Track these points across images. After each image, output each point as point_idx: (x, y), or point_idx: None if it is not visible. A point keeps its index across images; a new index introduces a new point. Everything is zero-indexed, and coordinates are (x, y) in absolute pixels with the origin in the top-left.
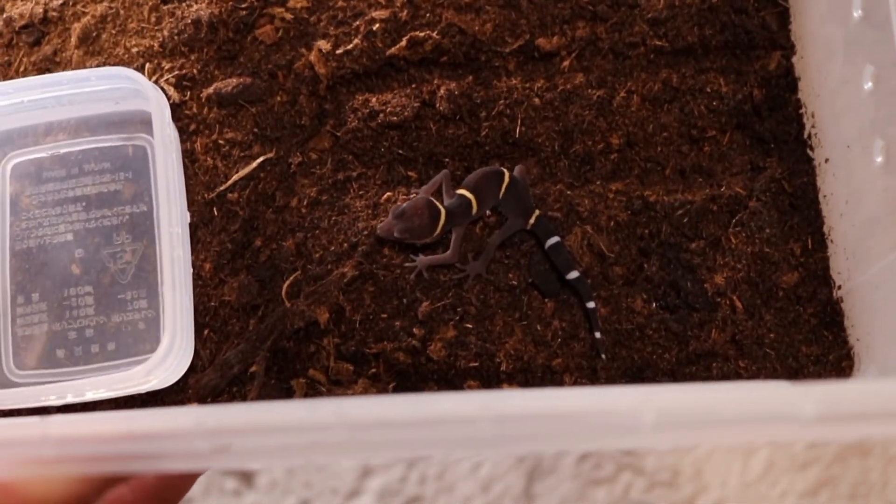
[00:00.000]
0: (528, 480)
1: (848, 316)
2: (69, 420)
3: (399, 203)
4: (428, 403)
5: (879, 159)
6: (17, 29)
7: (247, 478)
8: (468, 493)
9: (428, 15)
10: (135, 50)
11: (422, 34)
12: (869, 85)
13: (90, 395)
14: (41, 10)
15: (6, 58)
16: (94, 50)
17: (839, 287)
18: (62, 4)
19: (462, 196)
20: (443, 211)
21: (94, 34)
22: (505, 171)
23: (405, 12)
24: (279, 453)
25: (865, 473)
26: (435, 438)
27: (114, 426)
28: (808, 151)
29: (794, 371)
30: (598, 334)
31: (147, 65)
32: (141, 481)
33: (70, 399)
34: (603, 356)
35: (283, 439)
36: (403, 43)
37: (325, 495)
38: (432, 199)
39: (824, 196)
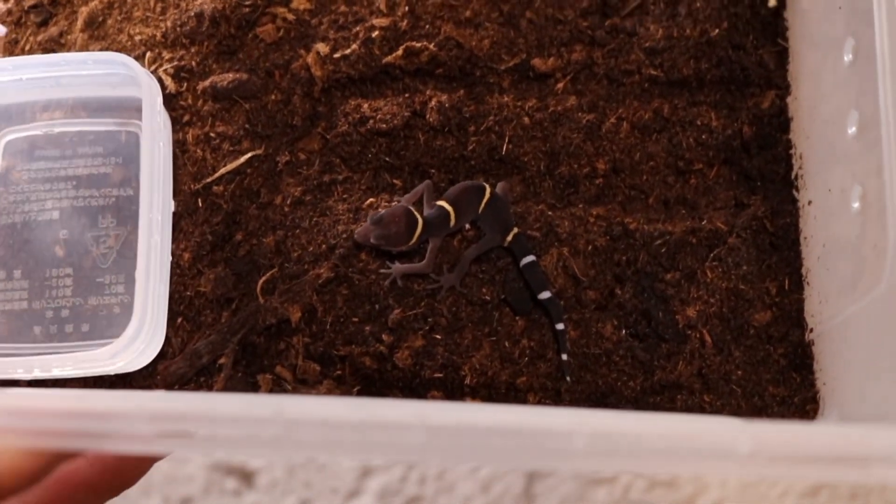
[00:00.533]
0: (528, 480)
1: (817, 360)
2: (18, 393)
3: (379, 209)
4: (364, 408)
5: (856, 205)
6: (26, 8)
7: (247, 478)
8: (468, 493)
9: (428, 26)
10: (138, 38)
11: (419, 45)
12: (853, 129)
13: (57, 372)
14: None
15: (13, 35)
16: (99, 35)
17: (811, 330)
18: None
19: (441, 207)
20: (420, 220)
21: (100, 19)
22: (487, 186)
23: (405, 22)
24: (219, 443)
25: None
26: (369, 441)
27: (60, 403)
28: (794, 192)
29: (759, 409)
30: (564, 356)
31: (148, 53)
32: (99, 455)
33: (37, 374)
34: (568, 378)
35: (223, 430)
36: (400, 52)
37: (325, 495)
38: (411, 207)
39: (805, 238)
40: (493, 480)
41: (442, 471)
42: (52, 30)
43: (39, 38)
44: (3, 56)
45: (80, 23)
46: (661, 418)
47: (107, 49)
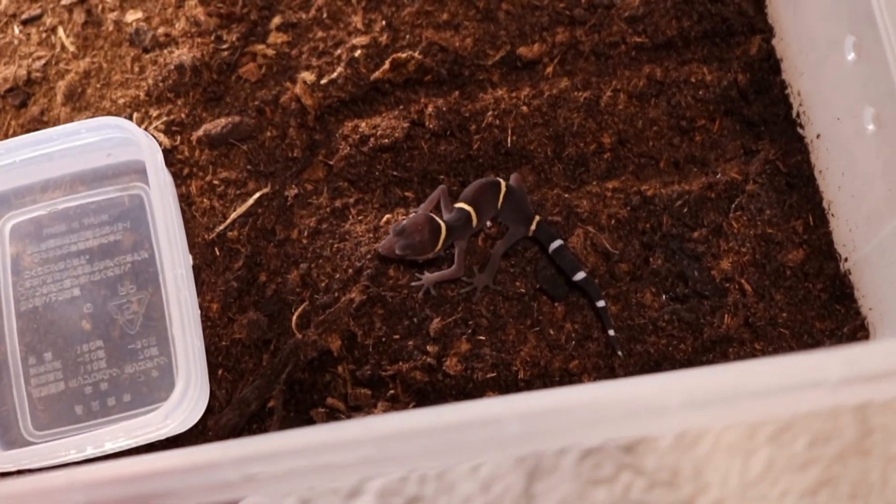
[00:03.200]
0: (528, 480)
1: (857, 287)
2: (94, 467)
3: (399, 222)
4: (451, 411)
5: (871, 127)
6: (1, 93)
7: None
8: (468, 493)
9: (408, 36)
10: (121, 101)
11: (404, 55)
12: (851, 56)
13: (109, 446)
14: (24, 73)
15: None
16: (81, 105)
17: (845, 259)
18: (45, 64)
19: (461, 209)
20: (443, 226)
21: (80, 90)
22: (501, 180)
23: (385, 36)
24: (304, 476)
25: (865, 473)
26: (460, 442)
27: (141, 465)
28: (799, 129)
29: (811, 347)
30: (611, 332)
31: (135, 114)
32: None
33: (90, 452)
34: (619, 353)
35: (306, 461)
36: (387, 66)
37: (326, 495)
38: (432, 214)
39: (820, 171)
40: (493, 480)
41: (442, 470)
42: (33, 109)
43: (21, 120)
44: None
45: (59, 97)
46: (733, 367)
47: (92, 118)
